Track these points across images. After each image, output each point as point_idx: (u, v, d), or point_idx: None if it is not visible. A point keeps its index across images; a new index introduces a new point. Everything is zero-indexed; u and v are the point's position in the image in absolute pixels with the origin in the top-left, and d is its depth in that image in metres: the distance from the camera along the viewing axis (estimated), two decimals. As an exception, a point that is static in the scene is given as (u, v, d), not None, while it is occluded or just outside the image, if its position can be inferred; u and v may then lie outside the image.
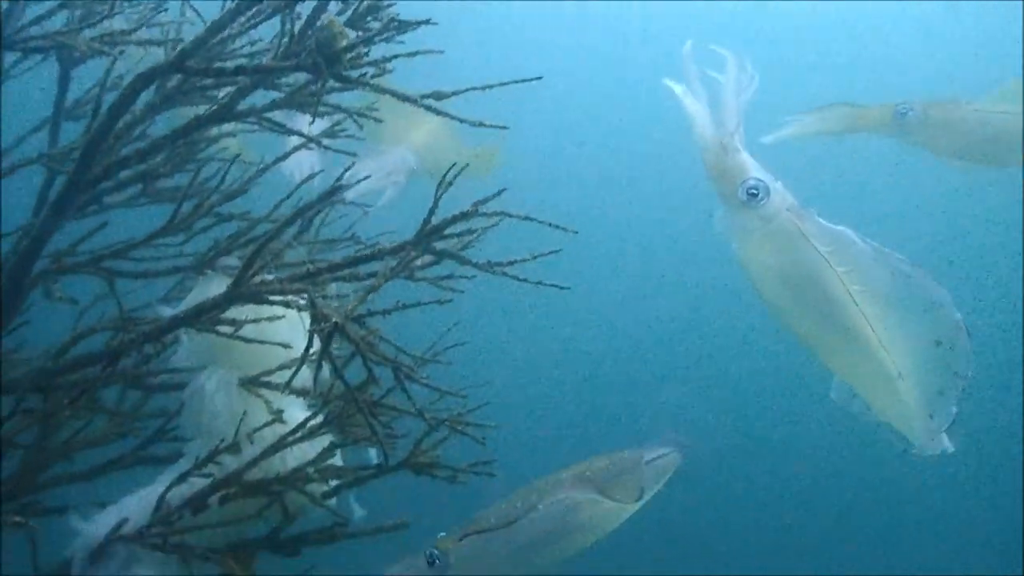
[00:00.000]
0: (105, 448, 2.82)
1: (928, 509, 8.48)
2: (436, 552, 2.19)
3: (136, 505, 2.34)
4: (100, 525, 2.32)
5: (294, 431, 2.24)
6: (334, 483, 2.42)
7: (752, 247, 1.84)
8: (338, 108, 2.14)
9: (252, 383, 2.37)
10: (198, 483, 2.29)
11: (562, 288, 2.02)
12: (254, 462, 2.24)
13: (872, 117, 2.19)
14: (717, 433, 8.01)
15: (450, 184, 1.96)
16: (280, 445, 2.24)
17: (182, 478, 2.29)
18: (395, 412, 2.30)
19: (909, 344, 1.78)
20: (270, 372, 2.38)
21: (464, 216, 1.90)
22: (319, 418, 2.33)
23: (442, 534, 2.34)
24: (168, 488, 2.29)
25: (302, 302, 2.20)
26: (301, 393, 2.39)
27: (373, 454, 2.57)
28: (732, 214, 1.85)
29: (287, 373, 2.40)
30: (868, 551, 8.11)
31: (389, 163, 3.75)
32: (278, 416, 2.27)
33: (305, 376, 2.43)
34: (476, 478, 2.40)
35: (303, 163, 2.90)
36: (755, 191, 1.81)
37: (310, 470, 2.25)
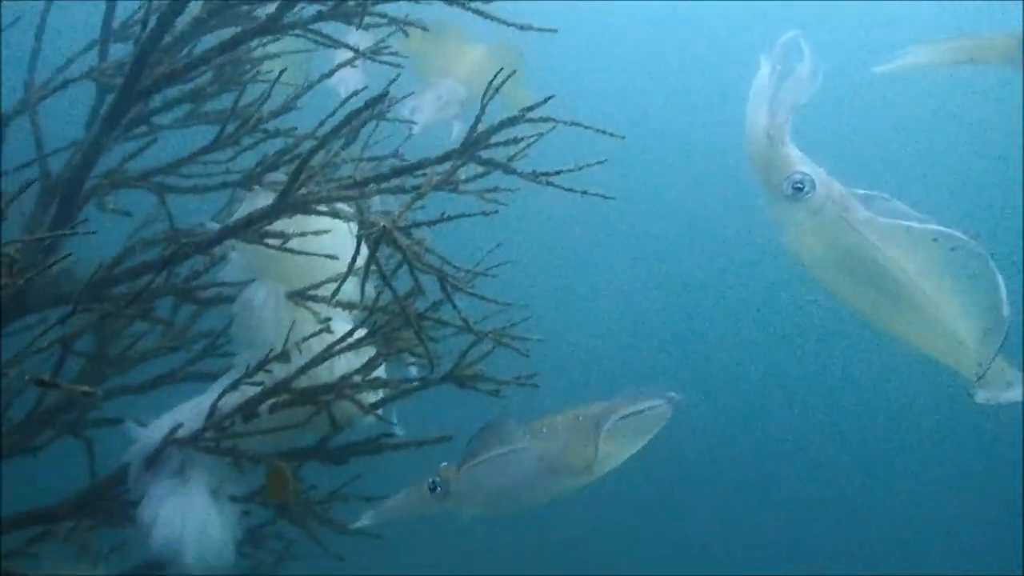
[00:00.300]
0: (157, 363, 2.91)
1: (928, 508, 8.46)
2: (438, 480, 2.27)
3: (189, 412, 2.41)
4: (155, 431, 2.39)
5: (341, 340, 2.28)
6: (379, 395, 2.47)
7: (801, 239, 1.85)
8: (384, 17, 2.14)
9: (299, 296, 2.41)
10: (249, 391, 2.35)
11: (607, 198, 2.02)
12: (302, 370, 2.29)
13: (994, 48, 2.11)
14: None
15: (497, 90, 1.96)
16: (327, 354, 2.28)
17: (233, 386, 2.35)
18: (440, 324, 2.33)
19: (960, 298, 1.79)
20: (317, 285, 2.42)
21: (511, 121, 1.90)
22: (365, 330, 2.36)
23: (444, 463, 2.42)
24: (220, 396, 2.35)
25: (349, 212, 2.23)
26: (347, 306, 2.43)
27: (414, 372, 2.61)
28: (778, 207, 1.85)
29: (333, 288, 2.46)
30: (868, 551, 8.08)
31: (440, 96, 3.73)
32: (326, 326, 2.31)
33: (350, 291, 2.47)
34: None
35: (348, 80, 2.90)
36: (800, 185, 1.80)
37: (356, 378, 2.29)
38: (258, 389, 2.33)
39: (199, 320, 2.98)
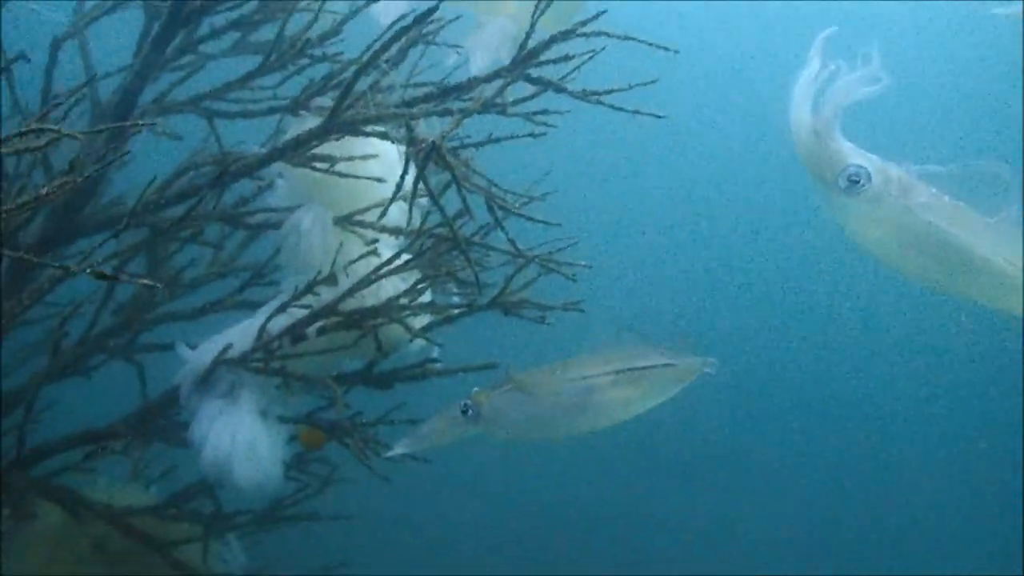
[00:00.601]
0: (205, 291, 2.95)
1: (928, 508, 8.39)
2: (470, 403, 2.30)
3: (239, 334, 2.44)
4: (205, 353, 2.43)
5: (387, 263, 2.28)
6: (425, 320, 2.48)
7: (864, 230, 1.84)
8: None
9: (346, 220, 2.42)
10: (297, 314, 2.37)
11: (658, 117, 1.98)
12: (348, 293, 2.30)
13: None
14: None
15: (543, 11, 1.93)
16: (374, 277, 2.28)
17: (281, 309, 2.37)
18: (487, 248, 2.33)
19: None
20: (364, 210, 2.42)
21: (563, 35, 1.86)
22: (411, 255, 2.37)
23: (476, 388, 2.45)
24: (269, 318, 2.38)
25: (397, 134, 2.22)
26: (394, 231, 2.44)
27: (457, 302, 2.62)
28: (836, 202, 1.83)
29: (380, 212, 2.46)
30: (868, 551, 8.00)
31: (491, 36, 3.66)
32: (372, 249, 2.32)
33: (396, 216, 2.47)
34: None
35: (392, 8, 2.86)
36: (856, 178, 1.78)
37: (403, 300, 2.30)
38: (305, 312, 2.35)
39: (247, 251, 3.01)
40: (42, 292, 2.22)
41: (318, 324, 2.36)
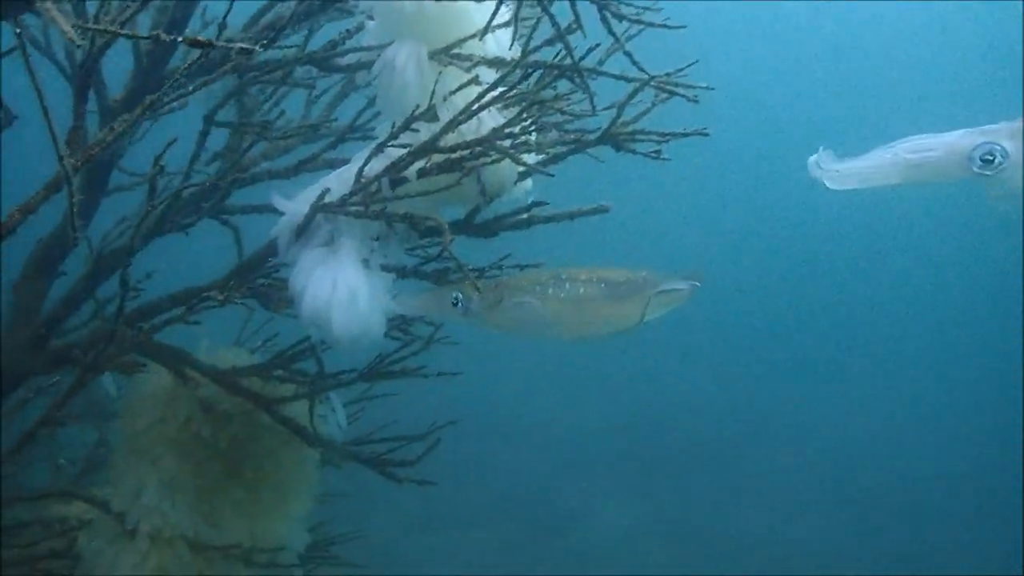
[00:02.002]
0: (299, 152, 2.84)
1: (928, 507, 8.24)
2: (460, 297, 2.25)
3: (336, 180, 2.32)
4: (302, 202, 2.32)
5: (488, 90, 2.11)
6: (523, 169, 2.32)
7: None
8: None
9: (443, 54, 2.25)
10: (395, 156, 2.23)
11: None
12: (449, 126, 2.15)
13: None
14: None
15: None
16: (475, 108, 2.12)
17: (379, 149, 2.23)
18: (597, 73, 2.13)
19: None
20: (461, 41, 2.24)
21: None
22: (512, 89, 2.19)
23: (481, 278, 2.39)
24: (366, 161, 2.25)
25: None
26: (494, 63, 2.26)
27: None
28: (989, 187, 1.80)
29: (477, 46, 2.29)
30: (869, 549, 7.66)
31: None
32: (474, 78, 2.15)
33: (494, 48, 2.29)
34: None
35: None
36: (990, 156, 1.76)
37: (505, 132, 2.13)
38: (404, 152, 2.21)
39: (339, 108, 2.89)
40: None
41: (418, 165, 2.22)
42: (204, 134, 2.38)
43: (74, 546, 2.29)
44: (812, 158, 1.88)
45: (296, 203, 2.34)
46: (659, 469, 8.34)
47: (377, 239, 2.35)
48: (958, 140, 1.77)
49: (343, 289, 2.24)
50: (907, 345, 12.95)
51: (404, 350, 2.63)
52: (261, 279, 2.51)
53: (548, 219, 2.40)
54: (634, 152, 2.28)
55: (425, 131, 2.23)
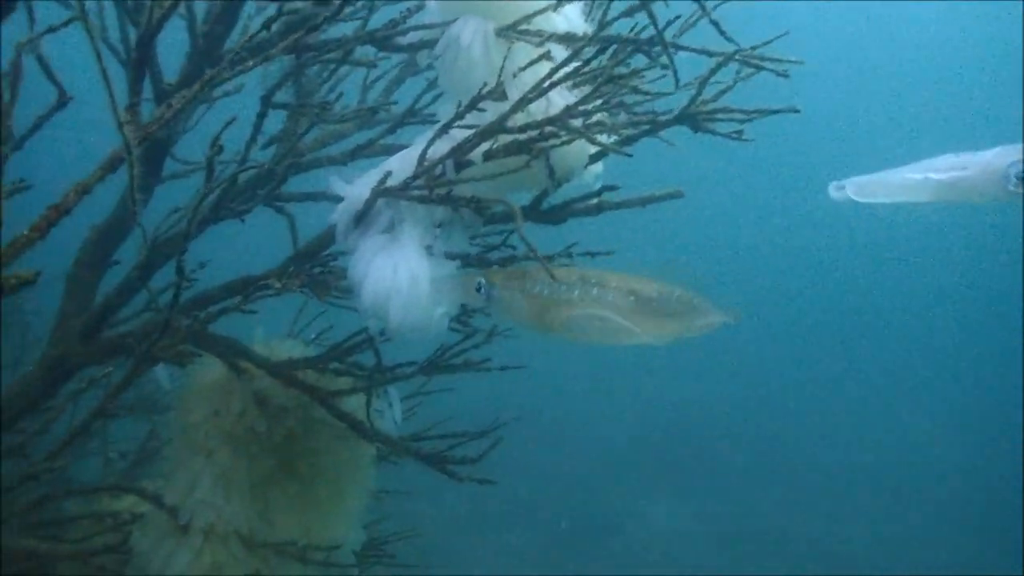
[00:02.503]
0: (357, 138, 2.75)
1: (928, 507, 8.11)
2: (483, 283, 2.13)
3: (398, 163, 2.22)
4: (362, 186, 2.22)
5: (558, 68, 1.99)
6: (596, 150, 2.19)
7: None
8: None
9: (510, 30, 2.13)
10: (460, 138, 2.12)
11: None
12: (518, 105, 2.03)
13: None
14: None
15: None
16: (544, 86, 2.00)
17: (443, 129, 2.13)
18: (675, 47, 2.00)
19: None
20: (528, 17, 2.12)
21: None
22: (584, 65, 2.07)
23: (496, 267, 2.27)
24: (430, 142, 2.14)
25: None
26: (565, 39, 2.14)
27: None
28: None
29: (546, 21, 2.17)
30: (868, 548, 7.38)
31: None
32: (545, 53, 2.03)
33: (563, 24, 2.18)
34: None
35: None
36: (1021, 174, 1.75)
37: (580, 108, 2.01)
38: (470, 133, 2.09)
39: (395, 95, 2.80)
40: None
41: (484, 146, 2.11)
42: (261, 116, 2.29)
43: (126, 541, 2.21)
44: (833, 184, 1.88)
45: (356, 187, 2.24)
46: (709, 469, 8.18)
47: (440, 226, 2.24)
48: (993, 159, 1.75)
49: (404, 277, 2.13)
50: (963, 343, 12.72)
51: (464, 343, 2.53)
52: (318, 268, 2.42)
53: (619, 205, 2.28)
54: (714, 133, 2.15)
55: (492, 111, 2.12)
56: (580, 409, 9.02)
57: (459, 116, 2.09)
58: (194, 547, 2.41)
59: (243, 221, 2.47)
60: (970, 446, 9.20)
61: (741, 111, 2.02)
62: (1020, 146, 1.77)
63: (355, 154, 2.63)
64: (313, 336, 3.03)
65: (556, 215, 2.29)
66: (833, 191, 1.93)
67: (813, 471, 8.49)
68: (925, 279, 14.59)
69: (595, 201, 2.29)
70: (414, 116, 2.62)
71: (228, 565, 2.44)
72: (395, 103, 2.63)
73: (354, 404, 2.58)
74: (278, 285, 2.08)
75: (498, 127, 2.06)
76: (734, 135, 2.13)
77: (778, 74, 1.97)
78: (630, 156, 2.03)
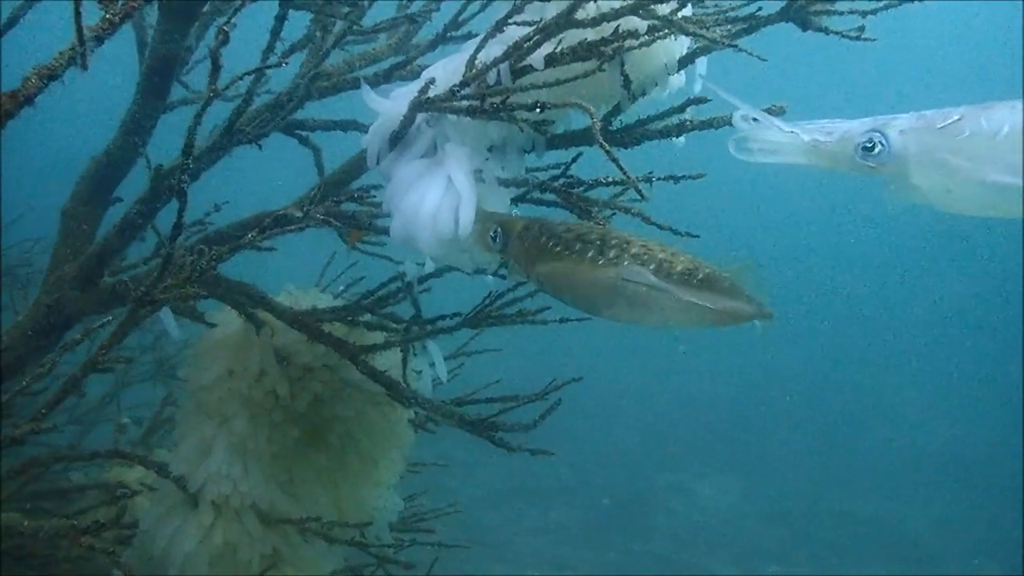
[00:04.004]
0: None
1: (987, 487, 7.75)
2: (499, 230, 1.77)
3: (442, 71, 1.86)
4: (400, 100, 1.86)
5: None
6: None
7: (914, 190, 1.61)
8: None
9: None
10: (516, 37, 1.75)
11: None
12: (588, -5, 1.65)
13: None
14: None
15: None
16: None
17: (497, 28, 1.76)
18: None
19: None
20: None
21: None
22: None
23: (517, 213, 1.91)
24: (481, 43, 1.78)
25: None
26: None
27: None
28: (887, 180, 1.63)
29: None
30: (927, 527, 6.93)
31: None
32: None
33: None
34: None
35: None
36: (870, 144, 1.59)
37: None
38: (529, 30, 1.73)
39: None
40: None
41: (545, 49, 1.74)
42: (280, 19, 1.94)
43: (122, 515, 1.90)
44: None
45: (393, 101, 1.89)
46: (760, 445, 7.80)
47: (491, 149, 1.88)
48: (853, 128, 1.61)
49: (447, 209, 1.78)
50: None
51: (516, 290, 2.17)
52: (348, 202, 2.07)
53: (705, 124, 1.90)
54: (826, 31, 1.76)
55: (554, 7, 1.75)
56: (625, 379, 8.64)
57: (516, 10, 1.73)
58: (203, 523, 2.09)
59: (260, 147, 2.12)
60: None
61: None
62: (884, 119, 1.61)
63: (390, 74, 2.28)
64: (342, 288, 2.70)
65: (630, 135, 1.92)
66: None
67: (870, 451, 8.09)
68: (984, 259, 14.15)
69: (676, 121, 1.92)
70: (458, 30, 2.25)
71: (243, 543, 2.12)
72: (437, 10, 2.26)
73: (389, 362, 2.25)
74: (298, 214, 1.74)
75: (563, 22, 1.69)
76: (855, 33, 1.74)
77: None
78: (733, 47, 1.65)
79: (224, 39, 1.49)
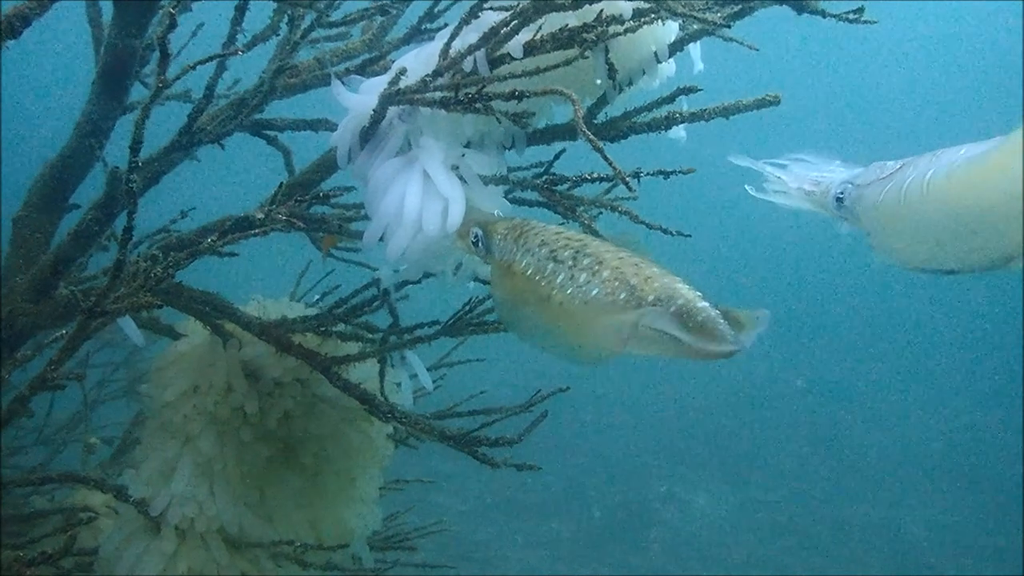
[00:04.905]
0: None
1: (986, 493, 7.67)
2: (481, 233, 1.62)
3: (415, 61, 1.74)
4: (371, 93, 1.74)
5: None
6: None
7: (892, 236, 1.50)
8: None
9: None
10: (492, 22, 1.63)
11: None
12: (572, -26, 1.54)
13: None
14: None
15: None
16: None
17: (472, 13, 1.64)
18: None
19: None
20: None
21: None
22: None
23: (500, 214, 1.74)
24: (456, 29, 1.66)
25: None
26: None
27: None
28: (867, 230, 1.56)
29: None
30: (926, 535, 6.91)
31: None
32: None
33: None
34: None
35: None
36: (841, 195, 1.57)
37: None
38: (507, 15, 1.61)
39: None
40: None
41: (524, 36, 1.62)
42: (240, 9, 1.81)
43: (72, 545, 1.75)
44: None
45: (364, 95, 1.77)
46: (753, 454, 7.67)
47: (468, 145, 1.76)
48: (838, 177, 1.58)
49: (431, 210, 1.65)
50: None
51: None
52: (316, 204, 1.94)
53: (695, 116, 1.79)
54: (823, 15, 1.65)
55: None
56: (615, 388, 8.50)
57: (492, -5, 1.61)
58: (166, 550, 1.95)
59: (222, 147, 1.99)
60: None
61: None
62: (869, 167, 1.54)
63: (363, 69, 2.16)
64: (317, 297, 2.57)
65: (616, 129, 1.80)
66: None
67: (868, 458, 7.97)
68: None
69: (664, 113, 1.80)
70: (433, 23, 2.13)
71: (209, 571, 1.98)
72: (410, 2, 2.15)
73: (365, 375, 2.12)
74: (259, 216, 1.61)
75: (542, 5, 1.58)
76: (853, 16, 1.63)
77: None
78: (727, 28, 1.53)
79: (172, 23, 1.36)
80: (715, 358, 1.36)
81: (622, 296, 1.42)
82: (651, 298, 1.39)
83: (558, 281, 1.47)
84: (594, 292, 1.45)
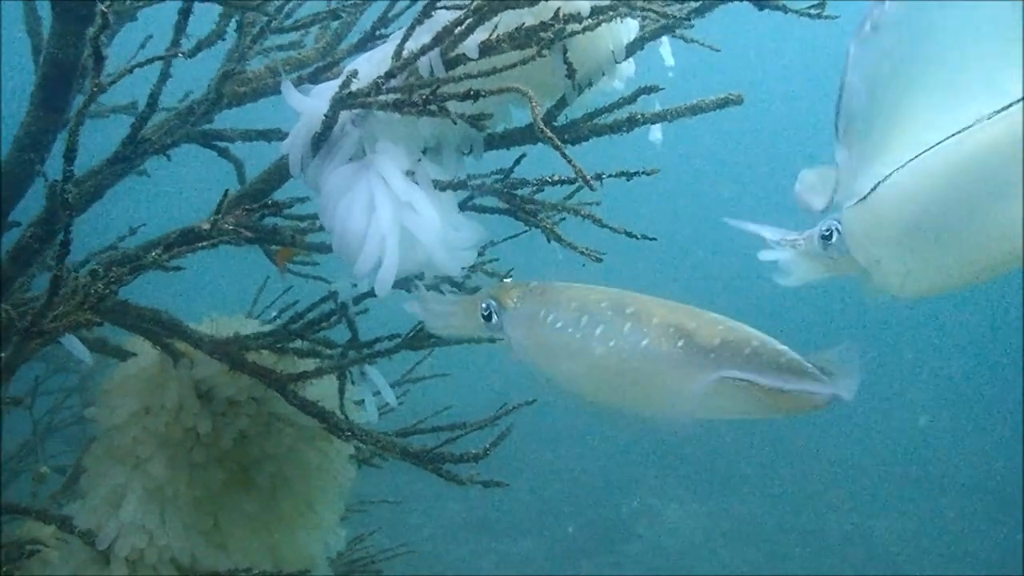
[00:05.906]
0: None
1: (957, 498, 7.74)
2: (493, 304, 1.50)
3: (367, 64, 1.68)
4: (323, 97, 1.67)
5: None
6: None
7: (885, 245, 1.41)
8: None
9: None
10: (446, 22, 1.57)
11: None
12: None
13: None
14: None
15: None
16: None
17: (426, 12, 1.58)
18: None
19: None
20: None
21: None
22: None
23: (508, 279, 1.70)
24: (408, 31, 1.60)
25: None
26: None
27: None
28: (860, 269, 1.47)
29: None
30: (896, 541, 7.01)
31: None
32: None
33: None
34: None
35: None
36: (827, 232, 1.47)
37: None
38: (461, 14, 1.55)
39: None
40: None
41: (479, 36, 1.57)
42: (184, 13, 1.74)
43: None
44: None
45: (316, 100, 1.70)
46: (723, 465, 7.64)
47: (425, 151, 1.70)
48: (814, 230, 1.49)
49: (386, 218, 1.58)
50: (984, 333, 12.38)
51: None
52: (270, 217, 1.87)
53: (658, 117, 1.74)
54: (785, 11, 1.61)
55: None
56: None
57: (446, -7, 1.55)
58: (114, 584, 1.85)
59: (168, 158, 1.91)
60: (998, 437, 8.76)
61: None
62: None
63: (316, 78, 2.09)
64: (275, 314, 2.49)
65: (577, 131, 1.75)
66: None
67: (834, 465, 7.98)
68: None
69: (626, 115, 1.75)
70: (387, 28, 2.07)
71: (161, 605, 1.88)
72: (365, 8, 2.09)
73: (324, 392, 2.04)
74: (205, 227, 1.53)
75: (497, 4, 1.52)
76: (814, 11, 1.59)
77: None
78: (688, 25, 1.48)
79: (104, 23, 1.29)
80: (814, 405, 1.23)
81: (679, 344, 1.25)
82: (717, 342, 1.22)
83: (597, 333, 1.33)
84: (644, 343, 1.28)
